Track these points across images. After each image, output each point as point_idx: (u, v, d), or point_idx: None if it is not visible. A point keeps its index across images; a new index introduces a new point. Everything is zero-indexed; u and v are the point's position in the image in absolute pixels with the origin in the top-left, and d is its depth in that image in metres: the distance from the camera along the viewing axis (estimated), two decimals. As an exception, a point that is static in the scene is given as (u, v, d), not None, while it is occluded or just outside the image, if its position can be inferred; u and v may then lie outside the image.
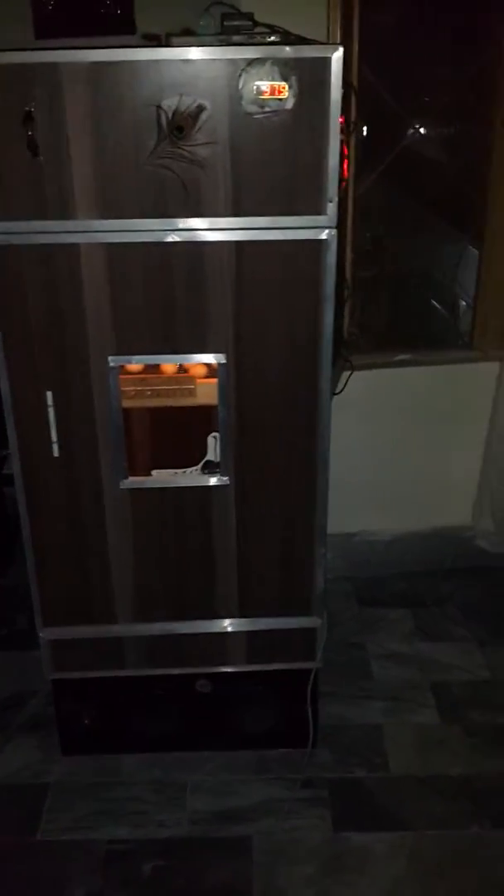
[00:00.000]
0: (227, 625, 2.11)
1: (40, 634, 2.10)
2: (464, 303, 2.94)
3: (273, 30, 1.84)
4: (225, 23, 1.85)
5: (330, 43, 1.55)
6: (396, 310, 3.00)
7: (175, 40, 1.75)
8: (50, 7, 2.63)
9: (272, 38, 1.71)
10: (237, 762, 2.29)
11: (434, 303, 3.05)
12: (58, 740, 2.30)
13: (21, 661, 2.62)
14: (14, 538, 2.95)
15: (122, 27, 2.56)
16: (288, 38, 1.78)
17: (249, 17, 1.89)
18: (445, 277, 3.00)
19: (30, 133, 1.56)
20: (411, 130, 2.64)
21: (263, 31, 1.84)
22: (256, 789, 2.21)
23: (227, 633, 2.12)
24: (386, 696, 2.53)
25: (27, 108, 1.55)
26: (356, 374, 2.62)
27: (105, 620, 2.08)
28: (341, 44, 1.59)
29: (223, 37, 1.80)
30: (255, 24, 1.85)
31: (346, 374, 2.59)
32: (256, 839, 2.07)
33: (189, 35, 2.18)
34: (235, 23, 1.86)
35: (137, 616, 2.09)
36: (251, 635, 2.14)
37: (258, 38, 1.77)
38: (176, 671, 2.18)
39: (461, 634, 2.80)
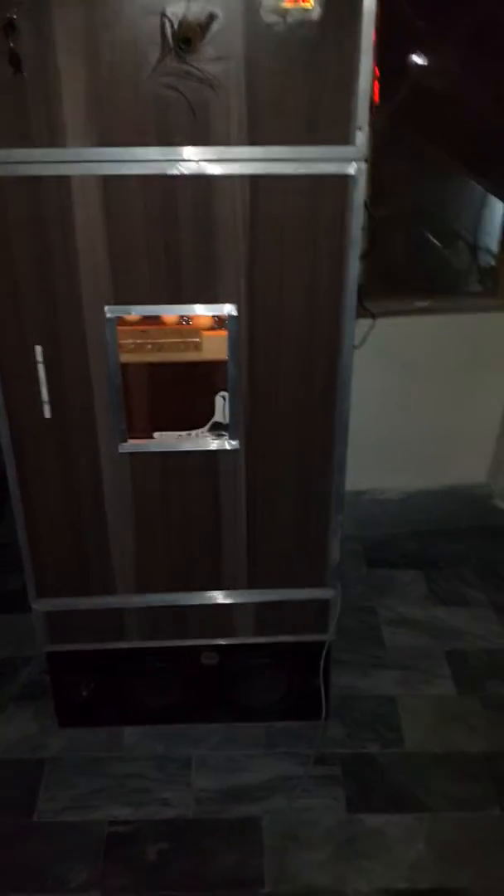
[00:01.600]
0: (235, 596, 1.96)
1: (33, 606, 1.95)
2: (485, 250, 2.73)
3: None
4: None
5: None
6: (414, 253, 2.78)
7: None
8: None
9: None
10: (244, 735, 2.17)
11: (453, 247, 2.83)
12: (55, 711, 2.17)
13: (13, 626, 2.49)
14: (4, 495, 2.79)
15: None
16: None
17: None
18: (465, 222, 2.78)
19: (11, 45, 1.33)
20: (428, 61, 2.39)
21: None
22: (265, 765, 2.10)
23: (234, 604, 1.98)
24: (399, 665, 2.40)
25: (8, 16, 1.32)
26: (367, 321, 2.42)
27: (103, 591, 1.93)
28: None
29: None
30: None
31: (366, 324, 2.39)
32: (266, 820, 1.96)
33: None
34: None
35: (138, 587, 1.93)
36: (260, 606, 1.99)
37: None
38: (180, 643, 2.03)
39: (477, 599, 2.67)
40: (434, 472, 2.88)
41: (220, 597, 1.96)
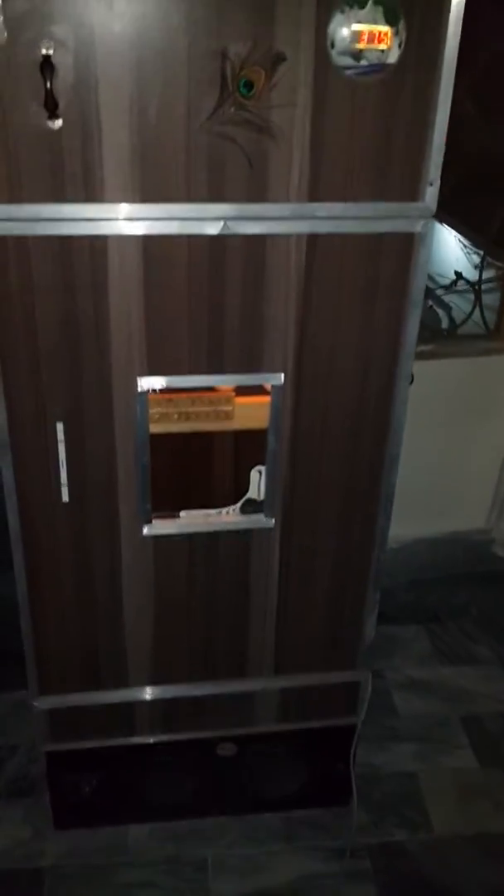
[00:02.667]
0: (259, 683, 1.78)
1: (34, 703, 1.72)
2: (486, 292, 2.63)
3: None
4: None
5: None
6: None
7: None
8: None
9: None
10: (260, 828, 1.98)
11: (453, 290, 2.72)
12: (48, 808, 1.94)
13: (-8, 708, 2.23)
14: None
15: None
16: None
17: None
18: (465, 265, 2.69)
19: (48, 85, 1.13)
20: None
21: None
22: (288, 863, 1.91)
23: (257, 691, 1.79)
24: (415, 736, 2.26)
25: (44, 52, 1.12)
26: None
27: (114, 685, 1.72)
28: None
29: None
30: None
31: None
32: (297, 931, 1.78)
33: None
34: None
35: (153, 678, 1.73)
36: (285, 692, 1.81)
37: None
38: (195, 735, 1.84)
39: (483, 655, 2.55)
40: (433, 519, 2.75)
41: (241, 685, 1.77)
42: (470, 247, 2.64)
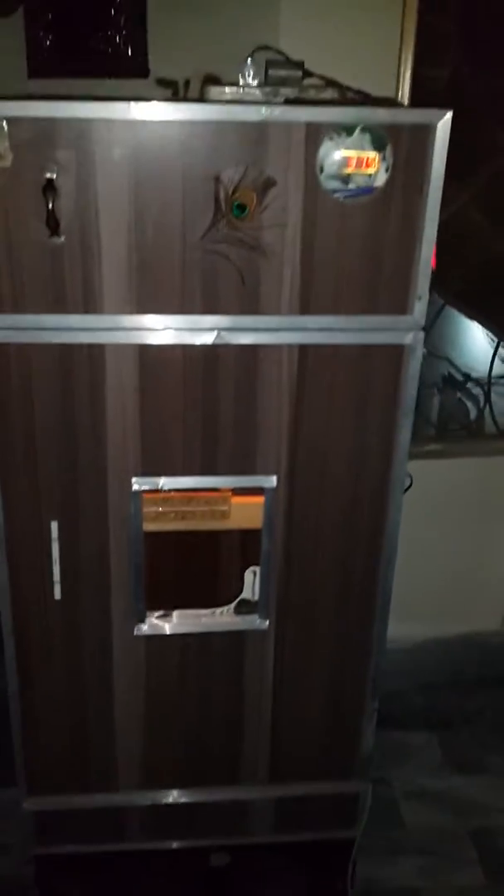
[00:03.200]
0: (253, 791, 1.73)
1: (23, 805, 1.69)
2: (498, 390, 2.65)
3: (328, 82, 1.52)
4: (270, 72, 1.52)
5: (435, 108, 1.24)
6: (425, 395, 2.69)
7: (213, 90, 1.41)
8: (48, 43, 2.27)
9: (351, 98, 1.39)
10: None
11: (464, 389, 2.74)
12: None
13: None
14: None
15: (133, 70, 2.21)
16: (344, 93, 1.47)
17: (300, 65, 1.56)
18: (475, 362, 2.71)
19: (50, 206, 1.20)
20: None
21: (316, 83, 1.52)
22: None
23: (251, 800, 1.75)
24: (420, 850, 2.16)
25: (48, 176, 1.19)
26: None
27: (103, 789, 1.69)
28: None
29: (269, 89, 1.47)
30: (306, 74, 1.53)
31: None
32: None
33: (214, 83, 1.85)
34: (282, 73, 1.53)
35: (143, 783, 1.70)
36: (280, 802, 1.76)
37: (325, 92, 1.45)
38: (187, 843, 1.79)
39: (496, 765, 2.46)
40: (445, 621, 2.70)
41: (235, 793, 1.73)
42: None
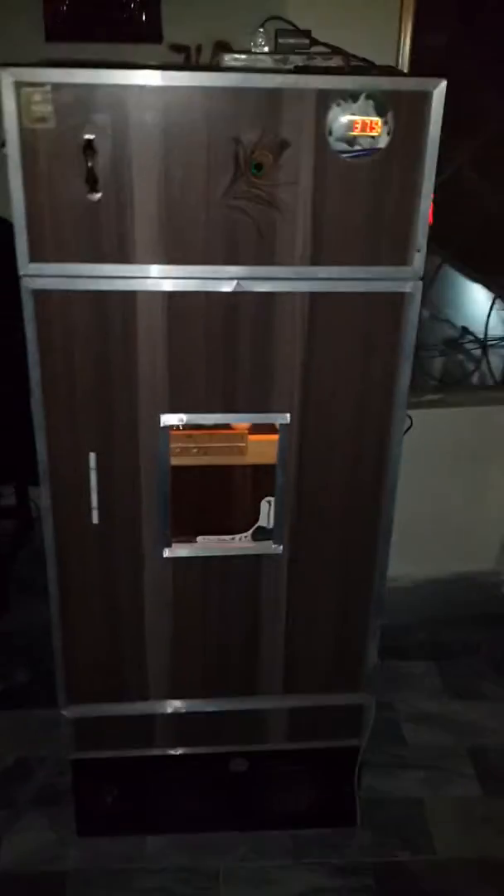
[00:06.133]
0: (269, 701, 1.92)
1: (63, 713, 1.88)
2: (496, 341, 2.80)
3: (334, 50, 1.65)
4: (280, 40, 1.66)
5: (430, 76, 1.38)
6: (425, 347, 2.84)
7: (227, 57, 1.55)
8: (65, 8, 2.39)
9: (356, 65, 1.53)
10: (272, 844, 2.10)
11: (464, 340, 2.89)
12: (72, 817, 2.08)
13: (23, 723, 2.39)
14: (5, 579, 2.72)
15: (147, 35, 2.34)
16: (349, 61, 1.60)
17: (307, 34, 1.70)
18: (474, 316, 2.86)
19: (89, 164, 1.35)
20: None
21: (323, 51, 1.65)
22: (295, 877, 2.02)
23: (267, 709, 1.93)
24: (422, 765, 2.36)
25: (87, 136, 1.34)
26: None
27: (136, 698, 1.88)
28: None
29: (279, 56, 1.61)
30: (313, 42, 1.67)
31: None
32: (301, 941, 1.88)
33: (226, 49, 1.99)
34: (291, 41, 1.67)
35: (171, 693, 1.88)
36: (293, 712, 1.95)
37: (331, 60, 1.59)
38: (209, 749, 1.98)
39: (493, 692, 2.65)
40: (444, 561, 2.88)
41: (253, 703, 1.92)
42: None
